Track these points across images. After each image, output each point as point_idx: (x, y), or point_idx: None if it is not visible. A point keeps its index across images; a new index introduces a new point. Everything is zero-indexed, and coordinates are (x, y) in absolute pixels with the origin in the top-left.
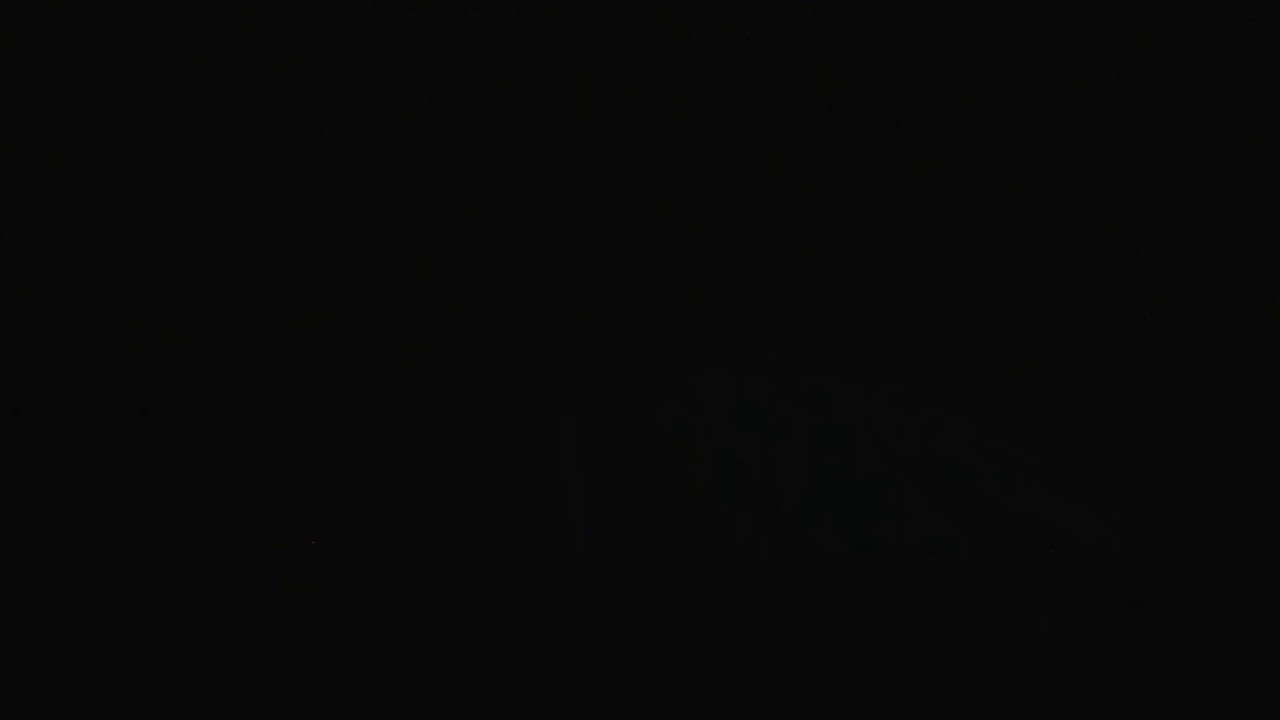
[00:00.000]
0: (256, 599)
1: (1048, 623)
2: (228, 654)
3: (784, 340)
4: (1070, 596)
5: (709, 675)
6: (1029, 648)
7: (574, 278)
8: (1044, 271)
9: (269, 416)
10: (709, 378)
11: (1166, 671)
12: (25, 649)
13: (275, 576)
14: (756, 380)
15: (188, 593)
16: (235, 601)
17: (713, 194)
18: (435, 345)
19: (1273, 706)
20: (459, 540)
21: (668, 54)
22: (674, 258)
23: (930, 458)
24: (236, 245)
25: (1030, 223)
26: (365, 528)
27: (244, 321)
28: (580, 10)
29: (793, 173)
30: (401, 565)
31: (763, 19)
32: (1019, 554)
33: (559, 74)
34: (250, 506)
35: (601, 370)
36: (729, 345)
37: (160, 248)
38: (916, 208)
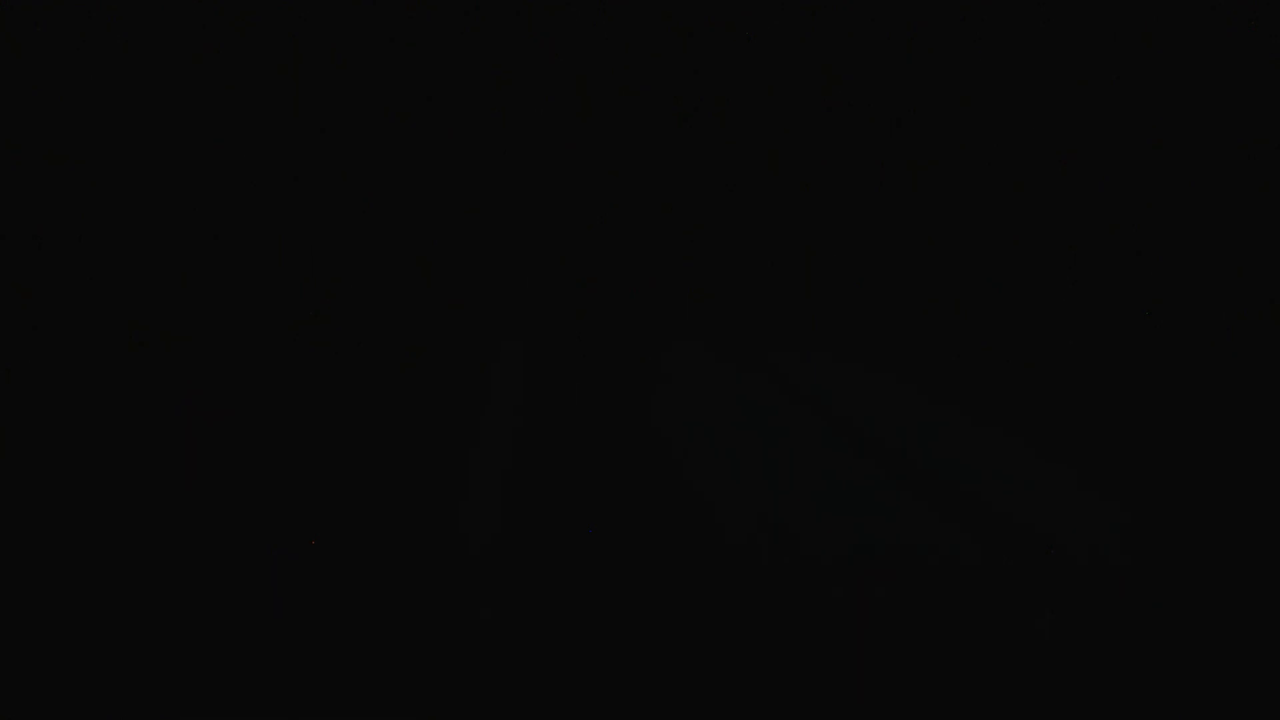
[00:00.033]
0: (256, 599)
1: (1047, 623)
2: (228, 654)
3: (783, 339)
4: (1070, 598)
5: (708, 675)
6: (1028, 649)
7: (574, 278)
8: (1044, 271)
9: (269, 416)
10: (708, 377)
11: (1166, 673)
12: (25, 649)
13: (275, 576)
14: (756, 379)
15: (188, 593)
16: (235, 601)
17: (713, 194)
18: (435, 345)
19: (1273, 706)
20: (459, 540)
21: (668, 54)
22: (674, 258)
23: (930, 458)
24: (236, 245)
25: (1030, 223)
26: (365, 527)
27: (244, 321)
28: (580, 10)
29: (793, 173)
30: (401, 565)
31: (763, 19)
32: (1019, 555)
33: (559, 74)
34: (250, 506)
35: (601, 370)
36: (728, 344)
37: (160, 248)
38: (916, 208)
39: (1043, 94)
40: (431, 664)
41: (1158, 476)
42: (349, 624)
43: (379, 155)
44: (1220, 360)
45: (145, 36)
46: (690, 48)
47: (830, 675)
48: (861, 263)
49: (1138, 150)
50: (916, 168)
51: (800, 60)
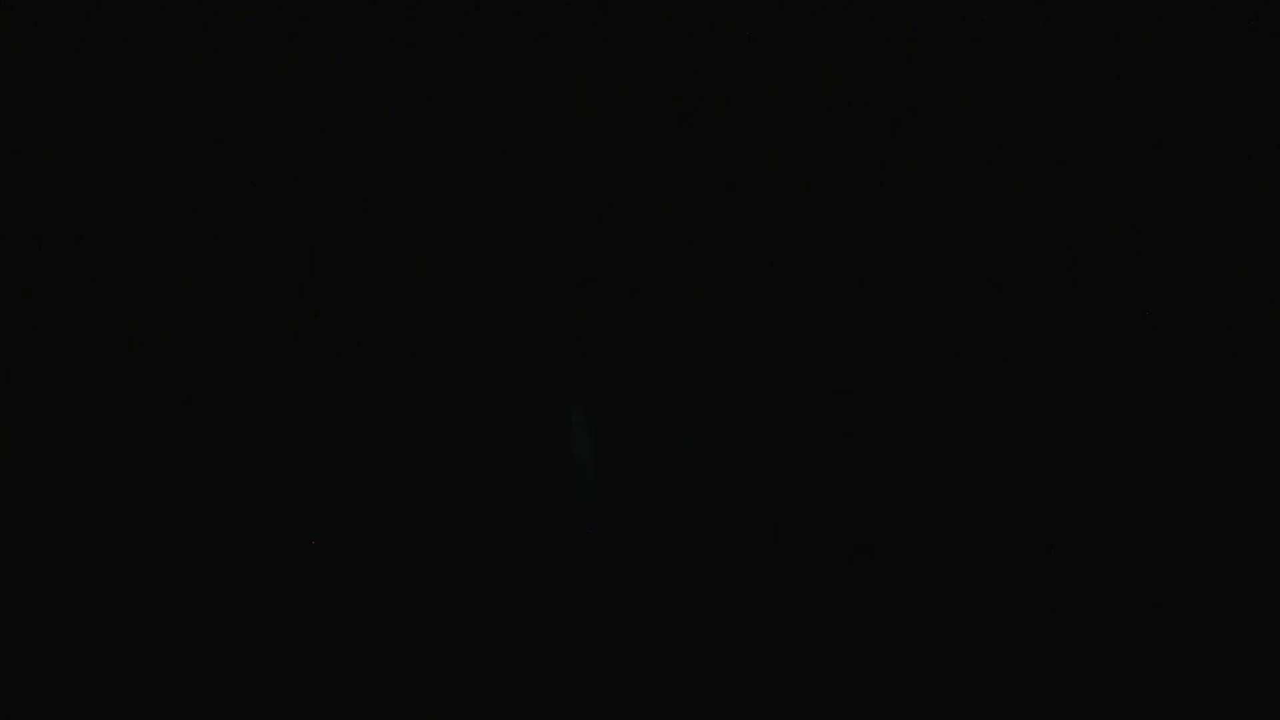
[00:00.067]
0: (256, 599)
1: (1048, 624)
2: (228, 654)
3: (783, 339)
4: (1070, 597)
5: (708, 675)
6: (1029, 649)
7: (574, 278)
8: (1044, 271)
9: (269, 416)
10: (708, 376)
11: (1166, 673)
12: (25, 649)
13: (275, 576)
14: (756, 379)
15: (188, 593)
16: (235, 601)
17: (713, 194)
18: (435, 345)
19: (1273, 707)
20: (458, 540)
21: (668, 54)
22: (674, 258)
23: (930, 458)
24: (236, 245)
25: (1030, 223)
26: (364, 527)
27: (244, 321)
28: (580, 10)
29: (793, 173)
30: (400, 565)
31: (763, 19)
32: (1019, 555)
33: (559, 74)
34: (250, 506)
35: (600, 369)
36: (727, 344)
37: (160, 248)
38: (916, 208)
39: (1043, 94)
40: (429, 664)
41: (1157, 477)
42: (349, 624)
43: (379, 155)
44: (1220, 360)
45: (145, 37)
46: (690, 48)
47: (830, 675)
48: (861, 262)
49: (1138, 150)
50: (916, 168)
51: (800, 60)
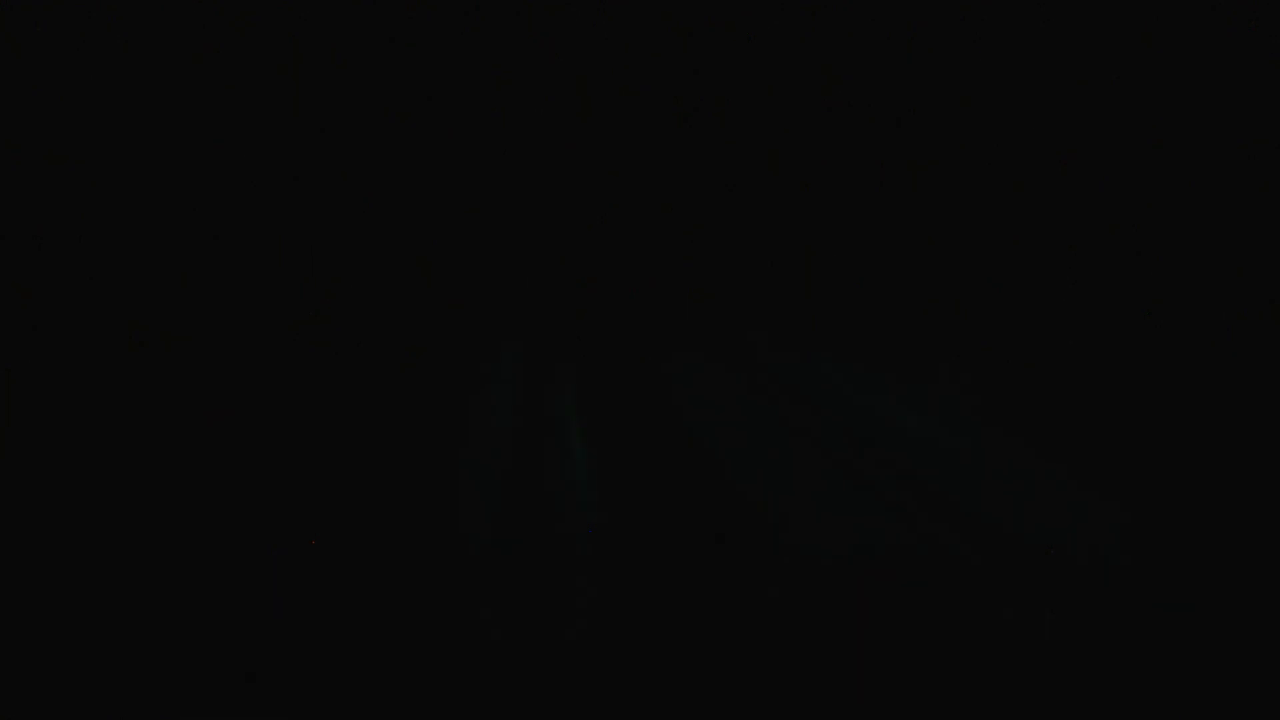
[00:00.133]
0: (256, 599)
1: (1048, 624)
2: (228, 654)
3: (784, 339)
4: (1070, 598)
5: (708, 675)
6: (1029, 649)
7: (574, 278)
8: (1044, 271)
9: (269, 416)
10: (708, 376)
11: (1166, 673)
12: (25, 649)
13: (275, 576)
14: (756, 379)
15: (188, 593)
16: (236, 601)
17: (713, 194)
18: (435, 345)
19: (1273, 707)
20: (458, 539)
21: (668, 54)
22: (674, 257)
23: (931, 458)
24: (236, 245)
25: (1030, 223)
26: (364, 527)
27: (244, 321)
28: (580, 10)
29: (793, 173)
30: (400, 564)
31: (763, 19)
32: (1019, 555)
33: (559, 74)
34: (250, 506)
35: (600, 369)
36: (727, 344)
37: (160, 248)
38: (916, 208)
39: (1043, 94)
40: (431, 663)
41: (1157, 477)
42: (348, 624)
43: (379, 155)
44: (1220, 360)
45: (145, 37)
46: (690, 48)
47: (830, 675)
48: (861, 263)
49: (1138, 150)
50: (916, 168)
51: (800, 60)
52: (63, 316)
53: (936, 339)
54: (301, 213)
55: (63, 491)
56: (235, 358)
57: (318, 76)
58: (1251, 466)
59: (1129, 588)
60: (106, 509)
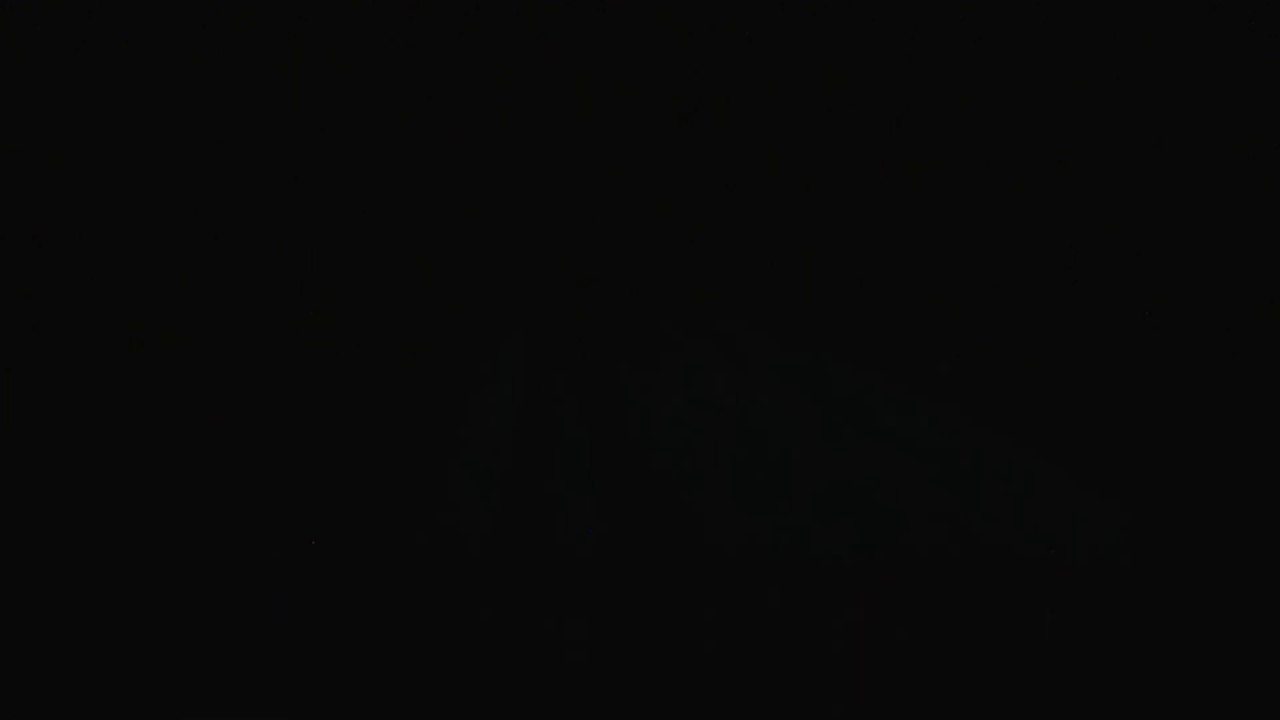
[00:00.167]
0: (256, 599)
1: (1048, 624)
2: (228, 654)
3: (784, 339)
4: (1070, 598)
5: (708, 675)
6: (1029, 649)
7: (574, 278)
8: (1044, 271)
9: (269, 416)
10: (708, 376)
11: (1166, 674)
12: (25, 649)
13: (275, 576)
14: (756, 379)
15: (188, 593)
16: (236, 601)
17: (713, 194)
18: (435, 345)
19: (1273, 707)
20: (457, 540)
21: (668, 54)
22: (674, 257)
23: (930, 458)
24: (236, 245)
25: (1030, 223)
26: (363, 527)
27: (244, 321)
28: (580, 10)
29: (793, 173)
30: (399, 564)
31: (763, 19)
32: (1018, 556)
33: (559, 74)
34: (250, 506)
35: (600, 370)
36: (727, 344)
37: (160, 248)
38: (916, 208)
39: (1043, 94)
40: (430, 663)
41: (1157, 478)
42: (348, 624)
43: (379, 155)
44: (1220, 360)
45: (145, 37)
46: (690, 48)
47: (830, 675)
48: (861, 263)
49: (1138, 150)
50: (916, 168)
51: (800, 60)
52: (63, 316)
53: (936, 339)
54: (301, 213)
55: (63, 491)
56: (235, 358)
57: (318, 76)
58: (1252, 468)
59: (1129, 588)
60: (106, 509)
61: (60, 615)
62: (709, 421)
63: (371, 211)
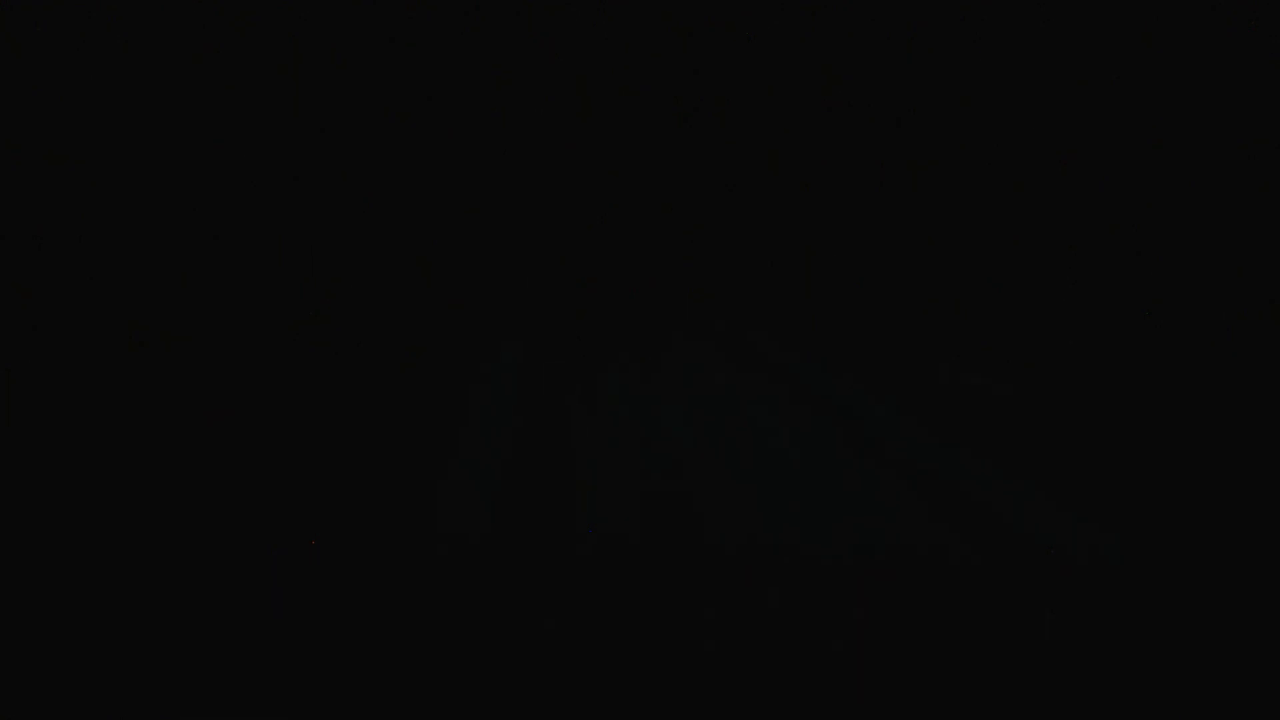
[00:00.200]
0: (256, 598)
1: (1048, 624)
2: (228, 654)
3: (783, 340)
4: (1070, 598)
5: (707, 675)
6: (1029, 649)
7: (574, 278)
8: (1044, 271)
9: (269, 416)
10: (708, 377)
11: (1166, 674)
12: (25, 649)
13: (275, 576)
14: (756, 379)
15: (188, 592)
16: (236, 601)
17: (713, 194)
18: (435, 345)
19: (1273, 708)
20: (457, 539)
21: (668, 54)
22: (674, 257)
23: (930, 458)
24: (236, 245)
25: (1030, 223)
26: (363, 527)
27: (244, 321)
28: (580, 10)
29: (793, 173)
30: (399, 563)
31: (763, 19)
32: (1019, 556)
33: (559, 74)
34: (250, 506)
35: (600, 368)
36: (727, 343)
37: (160, 248)
38: (916, 208)
39: (1043, 94)
40: (430, 663)
41: (1156, 479)
42: (348, 623)
43: (379, 155)
44: (1220, 361)
45: (145, 37)
46: (690, 48)
47: (830, 675)
48: (861, 263)
49: (1138, 150)
50: (916, 168)
51: (800, 60)
52: (63, 316)
53: (936, 338)
54: (301, 213)
55: (63, 491)
56: (235, 358)
57: (318, 76)
58: (1252, 469)
59: (1129, 588)
60: (106, 508)
61: (60, 615)
62: (709, 421)
63: (372, 212)
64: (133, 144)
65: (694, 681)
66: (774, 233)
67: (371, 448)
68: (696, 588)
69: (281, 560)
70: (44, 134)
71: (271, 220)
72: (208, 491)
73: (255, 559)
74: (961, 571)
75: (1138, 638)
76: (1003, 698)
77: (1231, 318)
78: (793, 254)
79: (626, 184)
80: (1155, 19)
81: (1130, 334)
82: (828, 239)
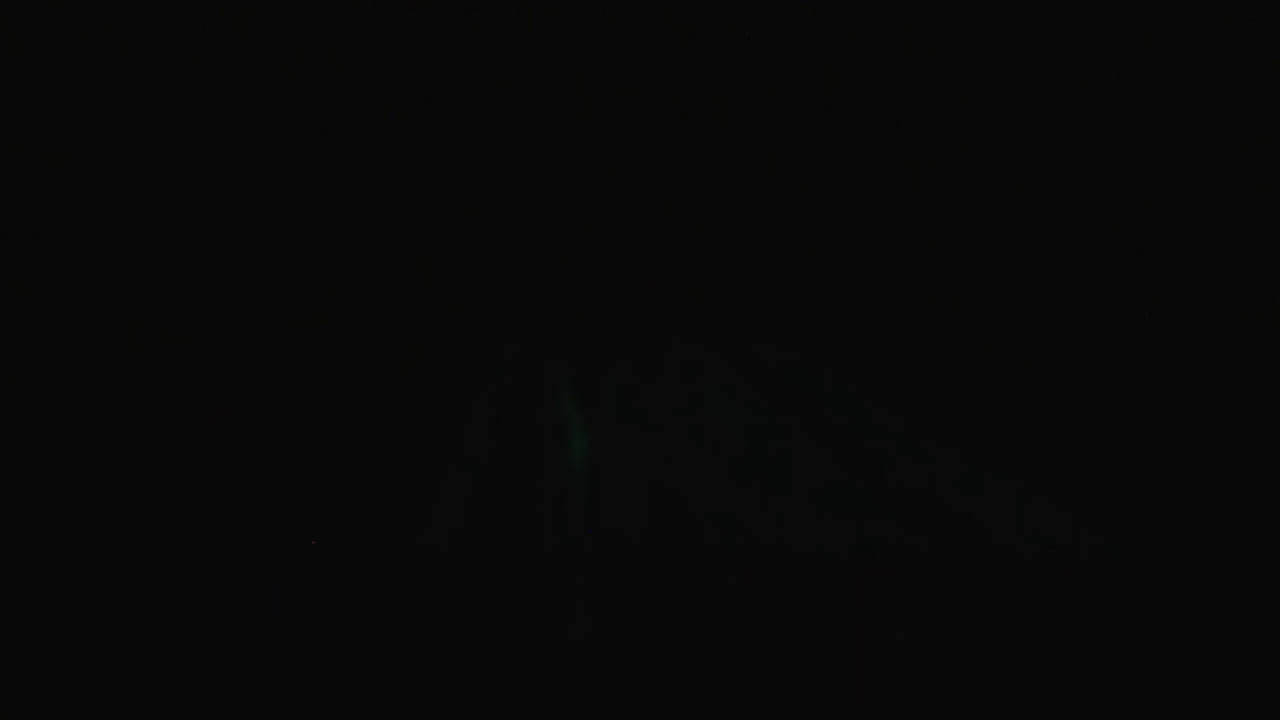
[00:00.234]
0: (256, 599)
1: (1048, 625)
2: (228, 654)
3: (783, 340)
4: (1070, 599)
5: (705, 676)
6: (1028, 650)
7: (574, 278)
8: (1044, 271)
9: (269, 417)
10: (708, 377)
11: (1166, 674)
12: (25, 649)
13: (275, 577)
14: (756, 380)
15: (188, 593)
16: (235, 601)
17: (713, 194)
18: (435, 345)
19: (1273, 707)
20: (455, 538)
21: (668, 54)
22: (674, 258)
23: (930, 459)
24: (236, 245)
25: (1030, 223)
26: (363, 527)
27: (244, 321)
28: (580, 10)
29: (793, 173)
30: (398, 564)
31: (763, 19)
32: (1018, 556)
33: (559, 74)
34: (249, 506)
35: (600, 369)
36: (726, 344)
37: (160, 248)
38: (916, 208)
39: (1043, 94)
40: (429, 662)
41: (1156, 479)
42: (347, 624)
43: (379, 155)
44: (1220, 361)
45: (145, 37)
46: (690, 48)
47: (829, 676)
48: (862, 263)
49: (1138, 150)
50: (916, 168)
51: (800, 60)
52: (63, 316)
53: (937, 339)
54: (301, 213)
55: (63, 491)
56: (235, 358)
57: (318, 76)
58: (1251, 470)
59: (1129, 588)
60: (106, 508)
61: (60, 615)
62: (709, 421)
63: (371, 212)
64: (133, 144)
65: (694, 681)
66: (774, 233)
67: (371, 447)
68: (696, 588)
69: (281, 560)
70: (44, 134)
71: (271, 220)
72: (207, 491)
73: (255, 559)
74: (961, 572)
75: (1138, 638)
76: (1003, 698)
77: (1231, 318)
78: (793, 254)
79: (626, 184)
80: (1155, 19)
81: (1130, 334)
82: (827, 239)
